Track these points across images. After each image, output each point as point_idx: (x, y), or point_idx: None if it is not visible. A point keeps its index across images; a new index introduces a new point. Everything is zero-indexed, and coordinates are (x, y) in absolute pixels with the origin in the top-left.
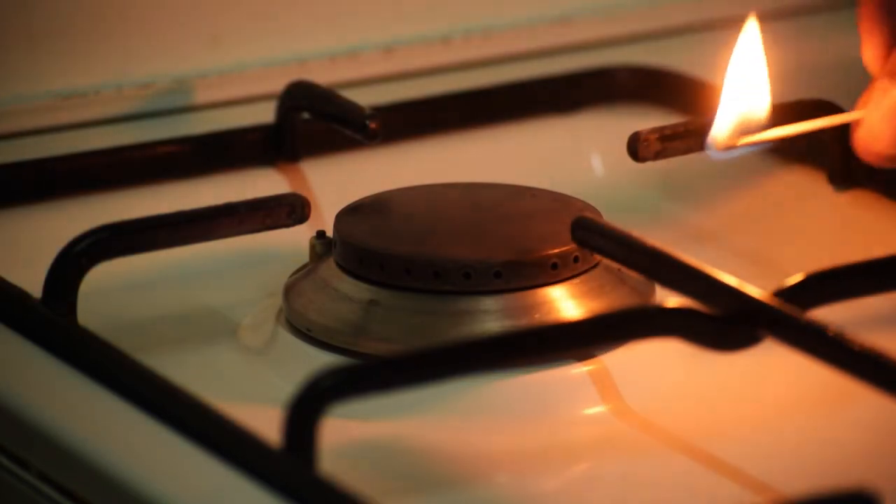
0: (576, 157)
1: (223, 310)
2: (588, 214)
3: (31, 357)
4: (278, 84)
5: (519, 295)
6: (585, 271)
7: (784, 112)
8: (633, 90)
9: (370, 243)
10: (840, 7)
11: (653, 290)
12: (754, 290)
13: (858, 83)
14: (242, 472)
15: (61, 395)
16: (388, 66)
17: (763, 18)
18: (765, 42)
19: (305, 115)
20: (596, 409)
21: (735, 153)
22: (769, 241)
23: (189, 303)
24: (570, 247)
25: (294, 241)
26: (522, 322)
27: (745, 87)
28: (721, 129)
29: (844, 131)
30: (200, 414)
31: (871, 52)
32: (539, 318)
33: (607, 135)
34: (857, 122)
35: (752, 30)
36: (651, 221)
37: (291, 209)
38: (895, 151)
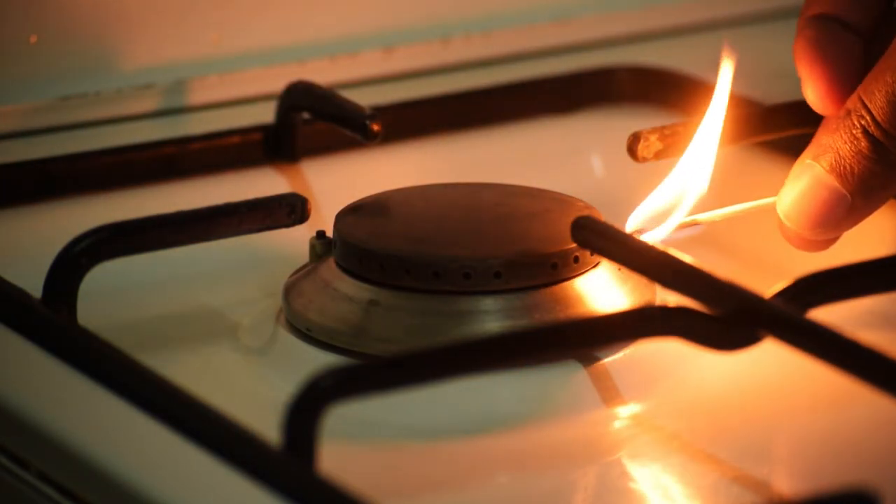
0: (576, 157)
1: (223, 310)
2: (588, 214)
3: (31, 357)
4: (278, 84)
5: (519, 295)
6: (585, 271)
7: (782, 113)
8: (633, 90)
9: (370, 243)
10: None
11: (653, 290)
12: (754, 290)
13: None
14: (242, 472)
15: (61, 395)
16: (388, 66)
17: (762, 18)
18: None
19: (305, 115)
20: (596, 410)
21: (661, 232)
22: (769, 241)
23: (189, 303)
24: (570, 247)
25: (294, 241)
26: (522, 322)
27: (690, 171)
28: (646, 212)
29: None
30: (200, 414)
31: (813, 93)
32: (539, 318)
33: (607, 135)
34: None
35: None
36: None
37: (291, 209)
38: (812, 234)
